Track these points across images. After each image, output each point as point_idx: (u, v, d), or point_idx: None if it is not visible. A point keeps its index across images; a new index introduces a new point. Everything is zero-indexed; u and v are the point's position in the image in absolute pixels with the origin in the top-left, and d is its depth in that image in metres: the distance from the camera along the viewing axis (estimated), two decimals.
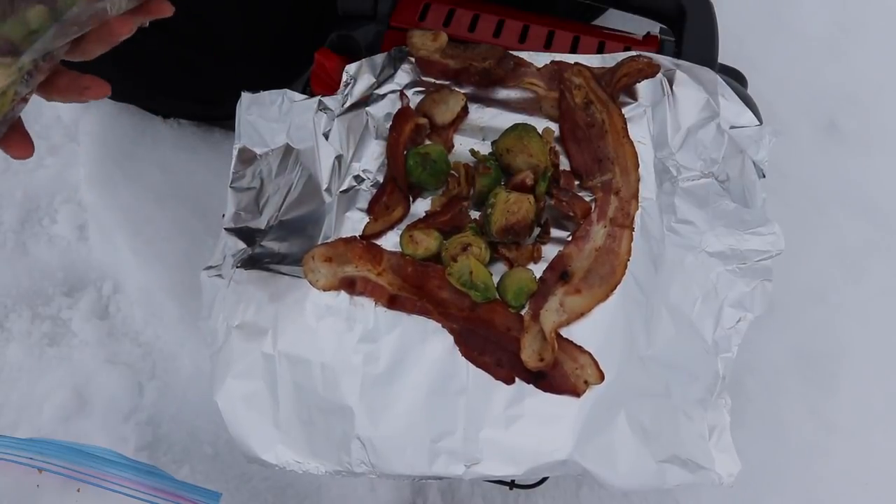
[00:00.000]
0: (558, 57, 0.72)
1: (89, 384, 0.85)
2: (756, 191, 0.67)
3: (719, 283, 0.64)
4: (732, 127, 0.68)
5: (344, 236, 0.65)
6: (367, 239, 0.65)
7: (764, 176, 0.68)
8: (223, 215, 0.69)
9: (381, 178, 0.68)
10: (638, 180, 0.67)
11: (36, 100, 1.06)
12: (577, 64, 0.70)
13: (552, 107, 0.70)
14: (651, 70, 0.69)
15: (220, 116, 0.94)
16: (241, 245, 0.67)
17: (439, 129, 0.70)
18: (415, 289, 0.63)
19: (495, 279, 0.64)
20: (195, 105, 0.92)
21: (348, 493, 0.80)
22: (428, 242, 0.64)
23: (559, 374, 0.60)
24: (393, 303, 0.62)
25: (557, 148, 0.69)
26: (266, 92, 0.70)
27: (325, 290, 0.63)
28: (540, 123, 0.70)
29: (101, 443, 0.77)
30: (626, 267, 0.63)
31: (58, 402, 0.84)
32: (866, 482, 0.85)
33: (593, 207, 0.66)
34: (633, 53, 0.71)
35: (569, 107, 0.69)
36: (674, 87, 0.70)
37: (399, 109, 0.69)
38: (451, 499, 0.81)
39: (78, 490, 0.75)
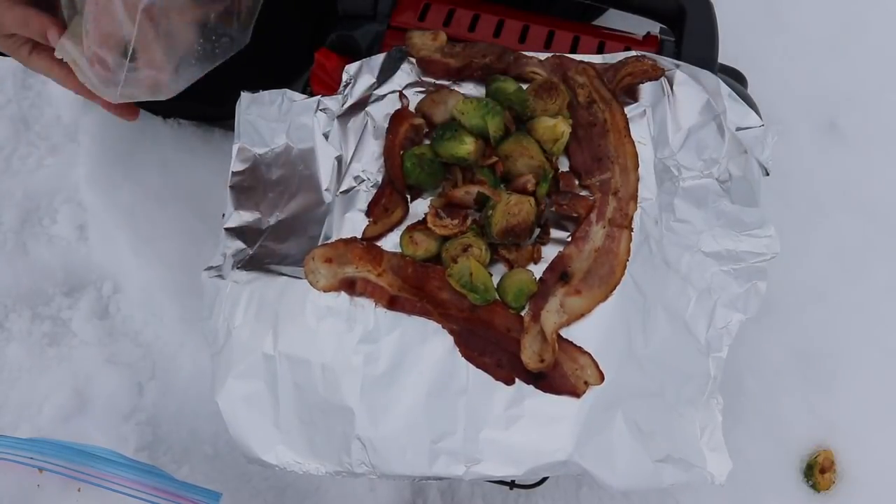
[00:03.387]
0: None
1: (89, 384, 0.85)
2: (758, 190, 0.67)
3: (713, 283, 0.64)
4: (738, 129, 0.68)
5: (344, 237, 0.65)
6: (368, 241, 0.65)
7: (768, 174, 0.68)
8: (223, 215, 0.69)
9: (381, 179, 0.68)
10: (637, 180, 0.67)
11: (36, 101, 1.06)
12: (581, 62, 0.70)
13: None
14: (655, 73, 0.69)
15: (220, 116, 0.94)
16: (241, 245, 0.68)
17: None
18: (415, 290, 0.63)
19: (495, 280, 0.64)
20: (195, 105, 0.92)
21: (348, 493, 0.80)
22: (428, 243, 0.64)
23: (559, 374, 0.60)
24: (393, 304, 0.62)
25: None
26: (266, 92, 0.70)
27: (325, 291, 0.63)
28: None
29: (101, 443, 0.77)
30: (625, 267, 0.63)
31: (58, 402, 0.84)
32: (866, 482, 0.85)
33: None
34: (637, 54, 0.70)
35: (571, 105, 0.69)
36: (674, 87, 0.70)
37: (396, 111, 0.69)
38: (451, 499, 0.81)
39: (79, 490, 0.75)
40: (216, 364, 0.64)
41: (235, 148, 0.70)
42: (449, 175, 0.67)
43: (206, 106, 0.93)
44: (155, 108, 0.97)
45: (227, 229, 0.68)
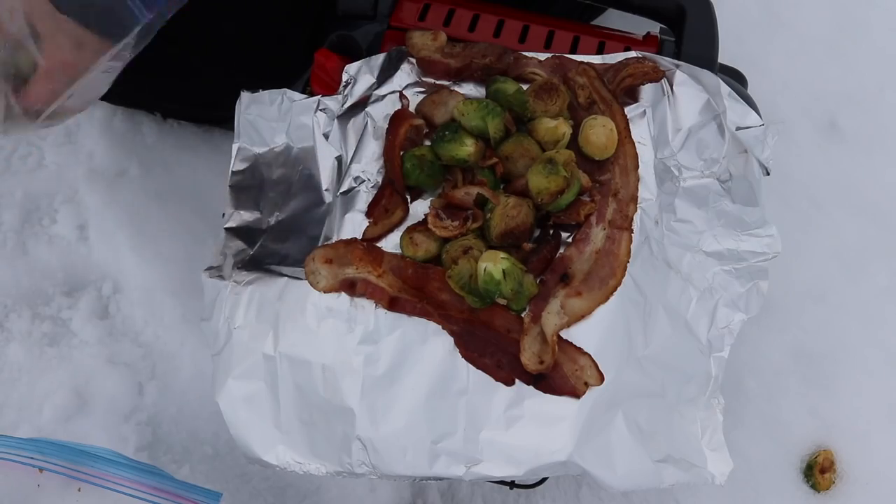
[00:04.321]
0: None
1: (89, 384, 0.85)
2: (759, 189, 0.67)
3: (715, 282, 0.64)
4: (738, 128, 0.68)
5: (344, 238, 0.65)
6: (368, 242, 0.65)
7: (769, 173, 0.68)
8: (223, 215, 0.69)
9: (381, 180, 0.68)
10: (637, 181, 0.67)
11: None
12: (581, 63, 0.70)
13: None
14: (656, 75, 0.69)
15: (219, 119, 0.94)
16: (242, 245, 0.68)
17: None
18: (415, 291, 0.63)
19: None
20: (194, 108, 0.92)
21: (348, 493, 0.80)
22: (428, 244, 0.64)
23: (559, 375, 0.60)
24: (393, 305, 0.62)
25: None
26: (265, 91, 0.70)
27: (325, 292, 0.63)
28: None
29: (101, 443, 0.77)
30: (625, 269, 0.63)
31: (58, 402, 0.84)
32: (867, 482, 0.85)
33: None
34: (638, 55, 0.70)
35: (572, 106, 0.69)
36: (674, 87, 0.70)
37: (395, 111, 0.69)
38: (450, 499, 0.81)
39: (79, 490, 0.75)
40: (216, 364, 0.64)
41: (235, 147, 0.69)
42: (449, 176, 0.67)
43: (206, 108, 0.93)
44: (155, 107, 0.97)
45: (227, 229, 0.68)
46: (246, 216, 0.69)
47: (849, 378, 0.89)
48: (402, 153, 0.68)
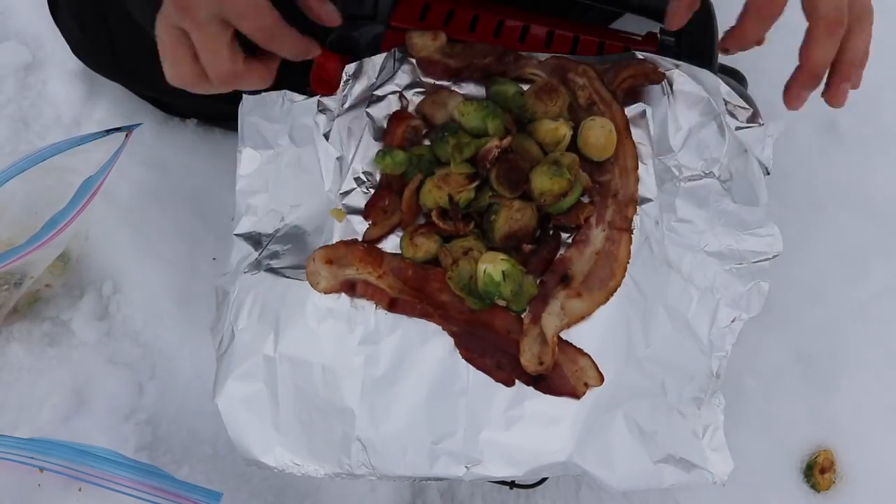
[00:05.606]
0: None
1: (89, 384, 0.85)
2: (760, 189, 0.67)
3: (716, 282, 0.64)
4: (738, 128, 0.68)
5: (345, 239, 0.65)
6: (368, 243, 0.65)
7: (769, 173, 0.68)
8: (232, 219, 0.69)
9: (379, 181, 0.68)
10: (637, 181, 0.67)
11: (36, 101, 1.06)
12: (581, 63, 0.70)
13: None
14: (657, 76, 0.69)
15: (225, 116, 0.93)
16: (250, 249, 0.68)
17: None
18: (415, 291, 0.63)
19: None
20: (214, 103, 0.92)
21: (348, 493, 0.80)
22: (428, 245, 0.64)
23: (559, 376, 0.60)
24: (393, 305, 0.62)
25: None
26: (266, 93, 0.70)
27: (325, 293, 0.63)
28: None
29: (101, 443, 0.77)
30: (625, 270, 0.63)
31: (58, 402, 0.84)
32: (867, 482, 0.85)
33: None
34: (638, 55, 0.70)
35: (572, 107, 0.69)
36: (674, 87, 0.70)
37: (394, 112, 0.69)
38: (450, 499, 0.81)
39: (79, 489, 0.75)
40: (219, 366, 0.64)
41: (240, 151, 0.69)
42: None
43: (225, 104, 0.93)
44: (170, 108, 0.97)
45: (237, 235, 0.68)
46: (254, 220, 0.69)
47: (849, 378, 0.89)
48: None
